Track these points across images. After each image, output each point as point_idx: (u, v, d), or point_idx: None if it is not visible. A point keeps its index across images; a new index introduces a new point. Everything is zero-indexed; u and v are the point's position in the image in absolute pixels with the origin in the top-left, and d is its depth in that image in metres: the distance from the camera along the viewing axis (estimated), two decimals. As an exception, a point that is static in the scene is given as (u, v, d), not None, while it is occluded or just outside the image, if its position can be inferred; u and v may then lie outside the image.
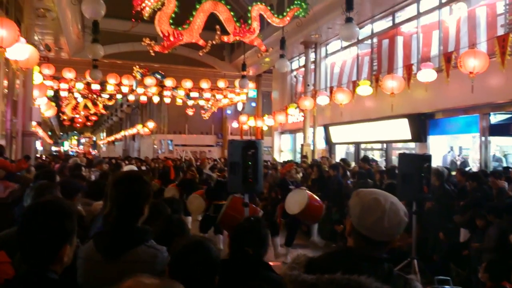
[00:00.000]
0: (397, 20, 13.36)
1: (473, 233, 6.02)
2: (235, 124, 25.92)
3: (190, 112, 24.34)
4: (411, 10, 12.74)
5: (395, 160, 13.49)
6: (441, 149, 12.06)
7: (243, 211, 5.19)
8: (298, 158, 17.67)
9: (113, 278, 1.38)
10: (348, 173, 9.99)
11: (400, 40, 13.37)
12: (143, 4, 9.74)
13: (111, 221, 2.05)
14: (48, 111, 18.14)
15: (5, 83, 12.55)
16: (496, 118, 10.38)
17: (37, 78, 13.55)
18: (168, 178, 11.57)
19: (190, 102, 22.50)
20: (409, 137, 12.21)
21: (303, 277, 1.53)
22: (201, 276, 1.88)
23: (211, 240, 2.12)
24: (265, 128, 21.20)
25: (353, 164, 12.49)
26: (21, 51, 7.56)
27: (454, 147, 12.16)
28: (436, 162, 10.44)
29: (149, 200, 2.14)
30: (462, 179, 7.12)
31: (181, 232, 2.45)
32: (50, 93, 19.16)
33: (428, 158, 5.86)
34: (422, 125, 11.99)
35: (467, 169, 9.80)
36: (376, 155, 15.34)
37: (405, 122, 12.15)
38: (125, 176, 2.17)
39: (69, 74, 17.50)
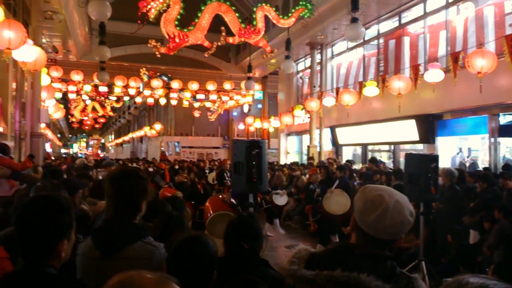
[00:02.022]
0: (403, 20, 13.28)
1: (483, 234, 5.93)
2: (241, 126, 25.94)
3: (196, 114, 24.39)
4: (417, 10, 12.65)
5: (403, 161, 13.38)
6: (449, 150, 11.93)
7: (223, 207, 5.18)
8: (304, 160, 17.62)
9: (110, 274, 1.36)
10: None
11: (406, 40, 13.28)
12: (149, 6, 9.77)
13: (108, 217, 2.03)
14: (56, 113, 18.25)
15: (14, 85, 12.63)
16: (505, 118, 10.24)
17: (45, 80, 13.62)
18: (163, 179, 11.55)
19: (196, 104, 22.55)
20: (417, 138, 12.11)
21: (302, 273, 1.49)
22: (199, 270, 1.85)
23: (208, 235, 2.08)
24: (271, 130, 21.17)
25: (360, 165, 12.42)
26: (28, 53, 7.60)
27: (463, 149, 12.02)
28: (445, 164, 10.34)
29: (146, 196, 2.12)
30: (472, 180, 7.04)
31: (180, 229, 2.41)
32: (59, 95, 19.30)
33: (435, 158, 5.78)
34: (430, 126, 11.88)
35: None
36: (384, 157, 15.24)
37: (412, 123, 12.05)
38: (121, 172, 2.14)
39: (77, 76, 17.63)
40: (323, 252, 1.62)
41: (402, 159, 13.67)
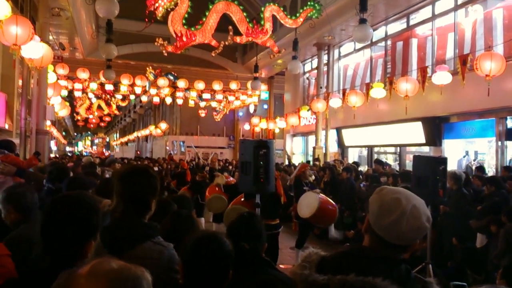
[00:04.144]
0: (411, 22, 13.21)
1: (491, 238, 5.87)
2: (246, 126, 25.90)
3: (202, 113, 24.38)
4: (426, 12, 12.58)
5: (408, 164, 13.31)
6: (456, 153, 11.85)
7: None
8: (310, 161, 17.56)
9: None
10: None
11: (414, 42, 13.21)
12: (156, 4, 9.76)
13: (117, 216, 2.00)
14: (62, 110, 18.29)
15: (20, 82, 12.66)
16: (513, 122, 10.20)
17: (51, 78, 13.64)
18: (184, 179, 11.52)
19: (202, 104, 22.54)
20: (423, 140, 12.05)
21: (314, 277, 1.44)
22: (215, 269, 1.82)
23: (224, 234, 2.05)
24: (277, 131, 21.12)
25: (366, 167, 12.35)
26: (35, 50, 7.59)
27: (469, 152, 11.95)
28: (451, 167, 10.26)
29: (156, 195, 2.09)
30: (479, 184, 6.97)
31: (190, 228, 2.38)
32: (64, 93, 19.33)
33: (443, 160, 5.74)
34: (437, 128, 11.82)
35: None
36: (390, 159, 15.16)
37: (419, 125, 11.99)
38: (131, 170, 2.11)
39: (83, 74, 17.65)
40: (334, 256, 1.57)
41: (408, 162, 13.60)
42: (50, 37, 13.73)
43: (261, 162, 4.78)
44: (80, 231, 1.60)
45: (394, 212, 1.49)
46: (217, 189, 8.39)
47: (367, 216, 1.58)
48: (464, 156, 11.86)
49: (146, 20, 10.04)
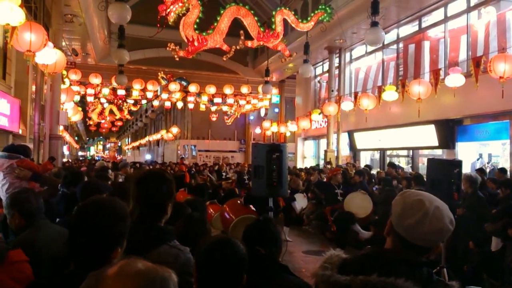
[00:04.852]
0: (423, 25, 13.13)
1: (506, 241, 5.79)
2: (258, 130, 25.91)
3: (213, 117, 24.45)
4: (438, 15, 12.49)
5: (421, 167, 13.21)
6: (470, 156, 11.74)
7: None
8: (321, 165, 17.50)
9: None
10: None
11: (426, 44, 13.13)
12: (168, 10, 9.82)
13: (134, 219, 2.00)
14: (75, 115, 18.46)
15: (33, 88, 12.81)
16: (527, 124, 10.06)
17: (64, 83, 13.79)
18: (183, 182, 11.53)
19: (213, 108, 22.60)
20: (436, 143, 11.95)
21: (336, 278, 1.45)
22: (229, 273, 1.81)
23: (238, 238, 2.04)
24: (288, 134, 21.09)
25: (378, 170, 12.28)
26: (49, 56, 7.68)
27: (483, 154, 11.82)
28: (465, 170, 10.16)
29: (172, 199, 2.09)
30: (494, 187, 6.88)
31: (202, 231, 2.38)
32: (77, 98, 19.52)
33: (458, 163, 5.66)
34: (450, 131, 11.71)
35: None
36: (402, 162, 15.06)
37: (432, 128, 11.90)
38: (147, 174, 2.12)
39: (95, 79, 17.79)
40: (356, 258, 1.58)
41: (421, 165, 13.50)
42: (63, 43, 13.89)
43: (274, 166, 4.77)
44: (109, 239, 1.59)
45: (417, 213, 1.50)
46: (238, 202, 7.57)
47: (390, 218, 1.57)
48: (477, 159, 11.74)
49: (158, 25, 10.11)
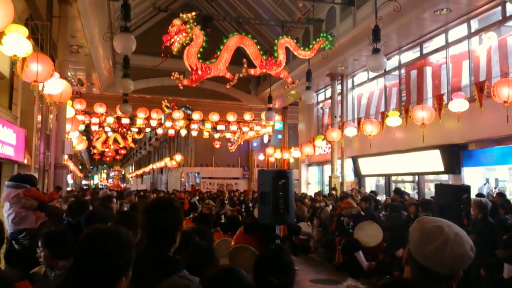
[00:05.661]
0: (425, 51, 13.24)
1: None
2: (261, 157, 25.91)
3: (216, 144, 24.49)
4: (439, 41, 12.61)
5: (428, 192, 13.11)
6: (476, 181, 11.63)
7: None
8: (326, 191, 17.40)
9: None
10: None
11: (428, 70, 13.20)
12: (172, 40, 9.96)
13: (142, 249, 1.97)
14: (79, 144, 18.51)
15: (39, 117, 12.89)
16: (533, 148, 10.01)
17: (69, 113, 13.86)
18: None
19: (216, 135, 22.66)
20: (442, 168, 11.87)
21: None
22: None
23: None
24: (291, 161, 21.06)
25: (384, 196, 12.18)
26: (55, 86, 7.75)
27: (490, 179, 11.72)
28: (472, 195, 10.06)
29: (181, 227, 2.06)
30: (503, 212, 6.79)
31: (211, 260, 2.34)
32: (81, 127, 19.62)
33: (467, 189, 5.62)
34: (455, 156, 11.65)
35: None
36: (408, 188, 14.94)
37: (437, 153, 11.84)
38: (155, 202, 2.09)
39: (100, 108, 17.93)
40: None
41: (427, 190, 13.38)
42: (69, 73, 14.07)
43: (280, 193, 4.72)
44: (112, 267, 1.54)
45: (438, 239, 1.47)
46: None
47: (407, 247, 1.53)
48: (484, 184, 11.63)
49: (162, 55, 10.23)
